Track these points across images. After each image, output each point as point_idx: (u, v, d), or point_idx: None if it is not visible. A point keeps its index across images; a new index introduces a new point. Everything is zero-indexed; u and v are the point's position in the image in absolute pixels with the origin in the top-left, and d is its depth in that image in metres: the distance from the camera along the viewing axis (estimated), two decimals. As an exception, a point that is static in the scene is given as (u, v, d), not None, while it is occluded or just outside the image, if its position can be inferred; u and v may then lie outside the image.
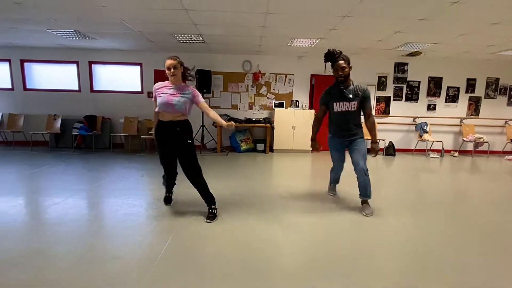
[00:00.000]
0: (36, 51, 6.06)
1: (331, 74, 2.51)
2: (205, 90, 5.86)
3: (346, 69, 2.42)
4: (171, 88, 2.26)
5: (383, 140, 6.39)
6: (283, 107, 6.19)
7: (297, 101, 6.27)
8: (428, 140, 6.35)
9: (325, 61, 2.49)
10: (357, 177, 2.61)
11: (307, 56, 6.18)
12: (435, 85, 6.62)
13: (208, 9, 3.52)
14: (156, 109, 2.29)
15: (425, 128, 6.45)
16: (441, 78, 6.59)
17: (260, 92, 6.42)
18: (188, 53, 6.05)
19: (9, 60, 6.14)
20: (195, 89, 2.33)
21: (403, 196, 3.20)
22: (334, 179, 3.08)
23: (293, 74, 6.39)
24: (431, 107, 6.69)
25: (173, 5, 3.39)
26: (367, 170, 2.56)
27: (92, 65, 6.22)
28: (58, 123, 6.00)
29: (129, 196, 2.87)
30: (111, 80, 6.33)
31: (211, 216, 2.31)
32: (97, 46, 5.76)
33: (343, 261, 1.72)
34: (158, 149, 2.42)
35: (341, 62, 2.39)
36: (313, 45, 5.16)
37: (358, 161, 2.56)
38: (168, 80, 2.30)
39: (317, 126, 2.77)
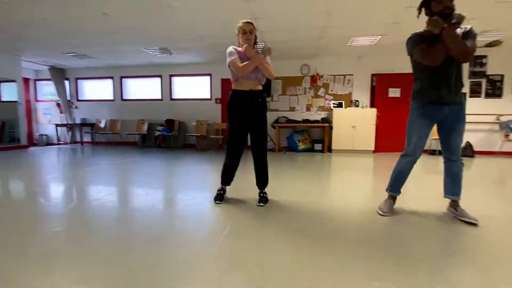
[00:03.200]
0: (131, 68, 7.52)
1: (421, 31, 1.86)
2: (265, 94, 6.33)
3: (453, 3, 1.69)
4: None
5: (458, 140, 5.79)
6: (342, 107, 6.23)
7: (357, 101, 6.23)
8: (517, 140, 5.51)
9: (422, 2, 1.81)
10: (453, 166, 1.91)
11: (367, 55, 6.14)
12: (525, 77, 5.76)
13: (273, 14, 3.96)
14: (236, 78, 2.14)
15: (511, 126, 5.63)
16: (533, 69, 5.71)
17: (318, 93, 6.59)
18: (250, 61, 6.67)
19: (112, 77, 7.75)
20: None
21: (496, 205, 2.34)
22: (398, 184, 2.06)
23: (352, 75, 6.40)
24: (521, 103, 5.81)
25: (245, 15, 3.94)
26: None
27: (172, 77, 7.38)
28: (145, 126, 7.24)
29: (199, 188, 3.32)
30: (186, 89, 7.37)
31: (264, 199, 2.27)
32: (177, 61, 6.85)
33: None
34: (232, 125, 2.19)
35: None
36: (373, 43, 5.16)
37: (459, 145, 1.88)
38: (238, 45, 2.18)
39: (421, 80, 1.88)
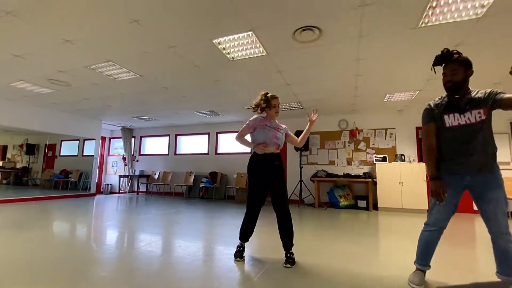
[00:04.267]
0: (184, 127, 8.60)
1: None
2: (302, 148, 6.48)
3: (459, 74, 1.71)
4: (272, 123, 2.43)
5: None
6: (386, 161, 5.92)
7: (402, 155, 5.88)
8: None
9: (433, 65, 1.81)
10: (497, 242, 1.68)
11: (408, 108, 5.99)
12: None
13: (304, 81, 4.35)
14: (259, 141, 2.36)
15: None
16: None
17: (359, 147, 6.45)
18: (288, 118, 7.07)
19: (168, 135, 8.91)
20: (286, 127, 2.56)
21: None
22: (426, 257, 1.87)
23: (394, 128, 6.21)
24: None
25: (279, 82, 4.42)
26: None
27: (218, 134, 8.16)
28: (191, 178, 7.85)
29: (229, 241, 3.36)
30: (230, 145, 8.00)
31: (291, 261, 2.23)
32: (223, 120, 7.65)
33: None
34: (252, 185, 2.34)
35: (452, 65, 1.73)
36: (412, 97, 5.09)
37: (498, 216, 1.64)
38: (260, 114, 2.47)
39: (433, 155, 1.82)
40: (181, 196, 7.90)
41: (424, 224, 1.90)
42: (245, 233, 2.40)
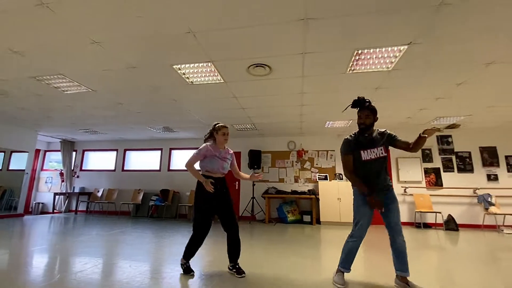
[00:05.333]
0: (135, 142, 8.28)
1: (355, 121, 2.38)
2: (255, 166, 6.87)
3: (370, 119, 2.25)
4: (221, 152, 2.63)
5: (440, 213, 6.01)
6: (327, 179, 6.66)
7: (340, 174, 6.71)
8: (496, 214, 5.73)
9: (351, 107, 2.35)
10: (395, 243, 2.15)
11: (345, 134, 6.90)
12: (489, 155, 6.38)
13: (257, 107, 4.80)
14: (208, 169, 2.57)
15: (489, 200, 5.93)
16: (495, 148, 6.38)
17: (304, 166, 7.12)
18: (242, 138, 7.45)
19: (117, 150, 8.44)
20: (233, 153, 2.78)
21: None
22: (350, 260, 2.28)
23: (334, 150, 7.07)
24: (492, 178, 6.26)
25: (235, 106, 4.78)
26: None
27: (172, 150, 8.06)
28: (140, 196, 7.51)
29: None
30: (183, 161, 7.94)
31: (242, 270, 2.49)
32: (177, 137, 7.63)
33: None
34: (200, 208, 2.51)
35: (365, 111, 2.25)
36: (348, 125, 5.97)
37: (397, 221, 2.16)
38: (212, 142, 2.66)
39: (358, 178, 2.26)
40: (127, 215, 7.45)
41: (349, 236, 2.30)
42: (191, 253, 2.57)
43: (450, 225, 5.79)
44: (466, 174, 6.38)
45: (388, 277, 2.46)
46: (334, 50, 2.92)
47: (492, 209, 5.81)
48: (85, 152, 8.67)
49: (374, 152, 2.25)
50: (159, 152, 8.14)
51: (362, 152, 2.26)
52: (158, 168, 8.01)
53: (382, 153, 2.25)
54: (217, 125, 2.70)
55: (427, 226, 6.10)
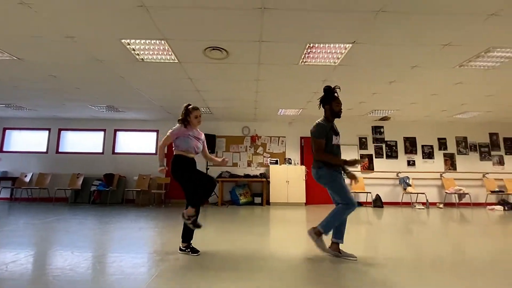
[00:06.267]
0: (73, 121, 7.40)
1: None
2: (209, 151, 6.86)
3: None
4: (194, 132, 2.69)
5: (370, 193, 6.98)
6: (278, 163, 7.06)
7: (289, 159, 7.17)
8: (412, 193, 6.92)
9: (323, 98, 2.55)
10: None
11: (296, 121, 7.37)
12: (410, 144, 7.56)
13: (213, 90, 4.76)
14: (183, 149, 2.62)
15: (407, 181, 7.10)
16: (415, 138, 7.58)
17: (257, 151, 7.40)
18: (197, 121, 7.31)
19: (49, 129, 7.43)
20: (204, 137, 2.85)
21: (399, 248, 2.88)
22: (341, 227, 2.51)
23: (285, 137, 7.48)
24: (411, 163, 7.47)
25: (190, 88, 4.65)
26: None
27: (117, 132, 7.46)
28: (80, 181, 6.85)
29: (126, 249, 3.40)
30: (131, 144, 7.45)
31: (196, 249, 2.60)
32: (123, 117, 7.08)
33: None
34: (189, 174, 2.62)
35: (339, 100, 2.53)
36: (298, 113, 6.36)
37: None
38: (185, 124, 2.66)
39: (332, 155, 2.44)
40: (64, 202, 6.75)
41: (348, 205, 2.40)
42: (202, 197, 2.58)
43: (377, 203, 6.79)
44: (392, 160, 7.48)
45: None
46: (289, 41, 3.07)
47: (409, 189, 6.98)
48: (7, 131, 7.42)
49: (337, 139, 2.52)
50: (101, 133, 7.45)
51: (334, 137, 2.47)
52: (101, 151, 7.36)
53: (339, 141, 2.55)
54: (189, 107, 2.70)
55: (360, 204, 7.03)
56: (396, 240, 3.38)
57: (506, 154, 7.55)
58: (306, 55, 3.40)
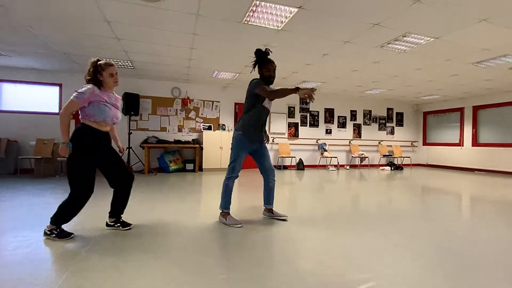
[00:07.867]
0: None
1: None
2: (132, 113, 6.07)
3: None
4: (111, 98, 2.12)
5: (294, 157, 7.71)
6: (211, 129, 6.89)
7: (223, 124, 7.08)
8: (327, 157, 8.00)
9: (255, 61, 2.48)
10: (269, 183, 2.58)
11: (230, 86, 7.18)
12: (329, 114, 8.53)
13: (139, 40, 4.05)
14: (98, 120, 2.05)
15: (324, 147, 8.12)
16: (333, 109, 8.56)
17: (189, 116, 6.98)
18: (116, 77, 6.22)
19: None
20: (121, 100, 2.31)
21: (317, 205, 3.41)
22: (230, 199, 2.56)
23: (219, 102, 7.25)
24: (328, 131, 8.51)
25: (106, 34, 3.81)
26: None
27: (2, 83, 5.67)
28: None
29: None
30: (23, 100, 5.84)
31: (126, 222, 2.32)
32: (9, 64, 5.38)
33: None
34: (84, 164, 2.02)
35: (273, 64, 2.46)
36: (234, 78, 6.18)
37: (270, 164, 2.57)
38: (96, 85, 2.05)
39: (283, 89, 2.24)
40: None
41: (228, 177, 2.49)
42: (67, 217, 2.05)
43: (300, 166, 7.59)
44: (314, 128, 8.33)
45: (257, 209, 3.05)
46: (234, -6, 2.80)
47: (326, 154, 8.03)
48: None
49: (269, 103, 2.52)
50: (-28, 83, 5.54)
51: (266, 99, 2.45)
52: (-27, 107, 5.53)
53: (270, 106, 2.55)
54: (99, 63, 2.07)
55: (285, 167, 7.72)
56: (312, 196, 3.91)
57: (396, 125, 9.45)
58: (251, 14, 3.20)
